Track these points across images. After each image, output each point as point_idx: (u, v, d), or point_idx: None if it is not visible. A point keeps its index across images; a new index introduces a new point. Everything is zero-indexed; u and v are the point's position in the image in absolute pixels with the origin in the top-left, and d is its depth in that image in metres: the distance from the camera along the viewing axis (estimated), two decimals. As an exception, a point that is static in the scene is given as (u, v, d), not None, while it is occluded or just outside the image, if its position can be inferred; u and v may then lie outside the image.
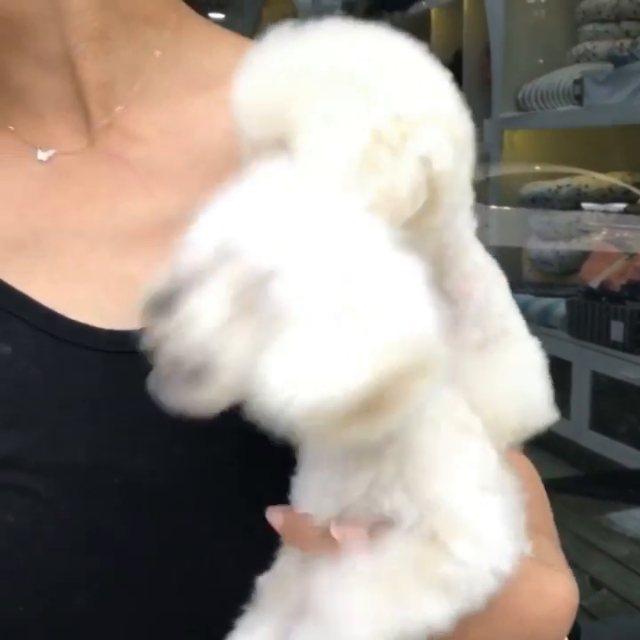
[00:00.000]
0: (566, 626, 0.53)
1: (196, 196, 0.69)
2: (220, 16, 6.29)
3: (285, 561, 0.55)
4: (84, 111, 0.68)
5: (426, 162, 0.42)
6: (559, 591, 0.51)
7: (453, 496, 0.45)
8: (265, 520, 0.59)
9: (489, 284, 0.50)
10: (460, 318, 0.49)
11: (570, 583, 0.52)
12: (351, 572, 0.46)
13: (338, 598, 0.46)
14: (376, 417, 0.39)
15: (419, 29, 4.07)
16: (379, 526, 0.46)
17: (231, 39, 0.73)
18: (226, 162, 0.62)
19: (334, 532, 0.47)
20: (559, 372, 2.94)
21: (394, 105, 0.43)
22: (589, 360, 2.95)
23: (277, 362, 0.39)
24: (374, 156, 0.42)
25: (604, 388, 2.92)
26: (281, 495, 0.58)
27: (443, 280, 0.48)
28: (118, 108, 0.69)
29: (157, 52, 0.69)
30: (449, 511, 0.45)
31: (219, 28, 0.74)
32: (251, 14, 6.17)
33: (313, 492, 0.50)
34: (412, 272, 0.39)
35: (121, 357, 0.62)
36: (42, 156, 0.69)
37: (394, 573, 0.45)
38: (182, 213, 0.68)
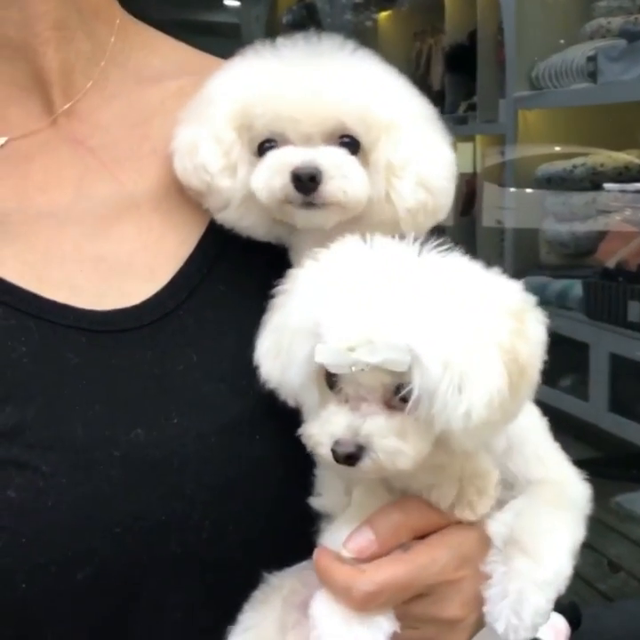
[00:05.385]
0: None
1: (160, 182, 0.72)
2: (235, 3, 6.28)
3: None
4: (44, 97, 0.70)
5: None
6: None
7: None
8: (264, 487, 0.63)
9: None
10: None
11: None
12: None
13: None
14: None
15: (433, 11, 4.03)
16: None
17: (170, 41, 0.79)
18: None
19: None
20: (577, 354, 2.91)
21: None
22: (607, 341, 2.90)
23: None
24: None
25: (622, 370, 2.87)
26: (276, 461, 0.63)
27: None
28: (79, 96, 0.71)
29: (112, 39, 0.73)
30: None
31: (154, 30, 0.79)
32: (266, -1, 6.12)
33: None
34: None
35: (105, 336, 0.64)
36: None
37: None
38: (148, 198, 0.70)
